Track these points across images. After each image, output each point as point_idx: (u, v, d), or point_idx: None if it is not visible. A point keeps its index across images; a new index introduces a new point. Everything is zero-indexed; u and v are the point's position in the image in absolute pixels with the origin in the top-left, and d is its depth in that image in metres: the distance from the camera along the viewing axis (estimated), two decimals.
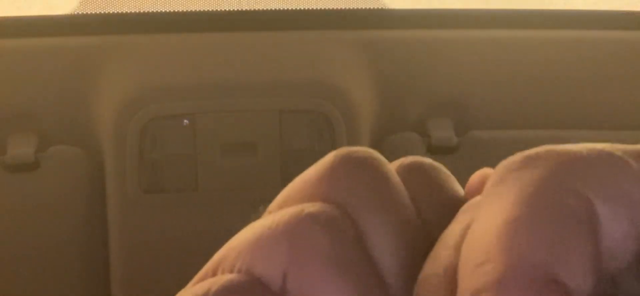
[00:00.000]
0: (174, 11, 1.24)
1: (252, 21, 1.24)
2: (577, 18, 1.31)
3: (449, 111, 1.25)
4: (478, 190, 0.20)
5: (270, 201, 0.21)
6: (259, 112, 1.18)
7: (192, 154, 1.18)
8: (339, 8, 1.26)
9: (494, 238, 0.16)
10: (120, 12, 1.24)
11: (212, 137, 1.18)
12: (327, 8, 1.26)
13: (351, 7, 1.27)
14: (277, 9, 1.25)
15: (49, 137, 1.21)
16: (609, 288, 0.17)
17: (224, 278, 0.19)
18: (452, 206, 0.20)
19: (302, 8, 1.26)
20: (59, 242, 1.22)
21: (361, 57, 1.22)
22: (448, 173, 0.21)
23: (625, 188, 0.17)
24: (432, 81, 1.25)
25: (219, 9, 1.27)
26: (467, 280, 0.16)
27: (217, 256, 0.20)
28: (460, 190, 0.21)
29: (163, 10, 1.24)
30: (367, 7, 1.30)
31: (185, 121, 1.17)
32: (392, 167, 0.20)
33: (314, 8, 1.26)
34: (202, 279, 0.20)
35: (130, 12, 1.24)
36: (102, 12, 1.24)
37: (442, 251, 0.18)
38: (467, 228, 0.18)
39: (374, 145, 1.22)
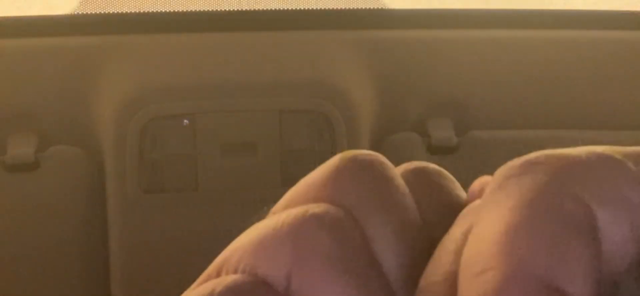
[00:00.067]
0: (174, 11, 1.24)
1: (252, 21, 1.24)
2: (577, 18, 1.31)
3: (449, 111, 1.25)
4: (479, 197, 0.20)
5: (270, 200, 0.21)
6: (259, 112, 1.18)
7: (192, 154, 1.18)
8: (339, 8, 1.26)
9: (493, 245, 0.16)
10: (120, 12, 1.24)
11: (212, 137, 1.18)
12: (327, 8, 1.26)
13: (351, 7, 1.27)
14: (277, 9, 1.25)
15: (49, 137, 1.21)
16: (609, 292, 0.17)
17: (227, 278, 0.19)
18: (455, 210, 0.20)
19: (302, 8, 1.26)
20: (59, 242, 1.22)
21: (361, 57, 1.22)
22: (452, 178, 0.21)
23: (624, 192, 0.17)
24: (432, 81, 1.25)
25: (219, 9, 1.27)
26: (467, 288, 0.16)
27: (220, 257, 0.20)
28: (463, 195, 0.21)
29: (163, 10, 1.24)
30: (367, 7, 1.30)
31: (185, 121, 1.17)
32: (397, 171, 0.20)
33: (314, 8, 1.26)
34: (205, 280, 0.20)
35: (130, 12, 1.24)
36: (102, 12, 1.24)
37: (442, 257, 0.18)
38: (467, 232, 0.18)
39: (374, 145, 1.22)
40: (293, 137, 1.19)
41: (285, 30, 1.25)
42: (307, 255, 0.18)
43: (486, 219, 0.17)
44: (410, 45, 1.24)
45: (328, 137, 1.18)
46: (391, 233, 0.19)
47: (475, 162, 1.22)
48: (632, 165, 0.17)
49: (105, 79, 1.18)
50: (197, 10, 1.25)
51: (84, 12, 1.27)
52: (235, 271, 0.19)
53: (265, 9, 1.25)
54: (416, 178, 0.20)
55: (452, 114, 1.25)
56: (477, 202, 0.19)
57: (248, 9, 1.25)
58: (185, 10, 1.24)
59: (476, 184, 0.21)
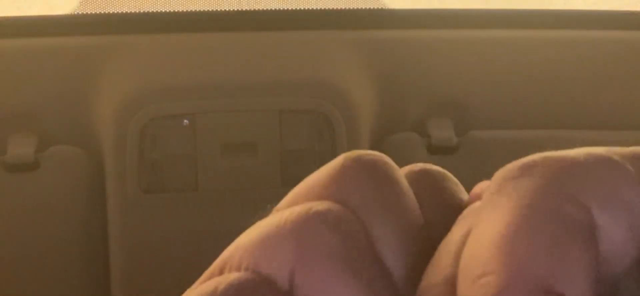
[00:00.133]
0: (174, 11, 1.24)
1: (252, 21, 1.24)
2: (577, 18, 1.31)
3: (449, 111, 1.25)
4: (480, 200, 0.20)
5: (270, 201, 0.21)
6: (259, 112, 1.18)
7: (192, 154, 1.18)
8: (339, 8, 1.26)
9: (492, 249, 0.16)
10: (120, 12, 1.24)
11: (212, 137, 1.18)
12: (327, 8, 1.26)
13: (351, 7, 1.27)
14: (277, 9, 1.25)
15: (49, 137, 1.21)
16: (608, 292, 0.17)
17: (230, 276, 0.19)
18: (457, 213, 0.20)
19: (302, 8, 1.26)
20: (59, 242, 1.22)
21: (361, 57, 1.22)
22: (456, 180, 0.21)
23: (623, 193, 0.17)
24: (432, 81, 1.25)
25: (219, 9, 1.27)
26: (467, 292, 0.16)
27: (224, 255, 0.20)
28: (466, 198, 0.21)
29: (163, 10, 1.24)
30: (367, 7, 1.30)
31: (185, 121, 1.17)
32: (401, 172, 0.20)
33: (314, 8, 1.26)
34: (208, 278, 0.20)
35: (130, 12, 1.24)
36: (102, 12, 1.24)
37: (442, 259, 0.18)
38: (467, 234, 0.18)
39: (374, 145, 1.22)
40: (293, 137, 1.19)
41: (285, 30, 1.25)
42: (310, 252, 0.18)
43: (485, 222, 0.17)
44: (410, 45, 1.24)
45: (328, 137, 1.18)
46: (394, 233, 0.19)
47: (475, 162, 1.22)
48: (630, 166, 0.17)
49: (105, 79, 1.18)
50: (197, 10, 1.25)
51: (84, 12, 1.27)
52: (238, 269, 0.19)
53: (265, 9, 1.25)
54: (420, 179, 0.21)
55: (452, 114, 1.25)
56: (477, 203, 0.19)
57: (248, 9, 1.25)
58: (185, 10, 1.24)
59: (477, 188, 0.21)
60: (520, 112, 1.26)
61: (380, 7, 1.33)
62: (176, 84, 1.18)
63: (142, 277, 1.22)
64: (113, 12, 1.23)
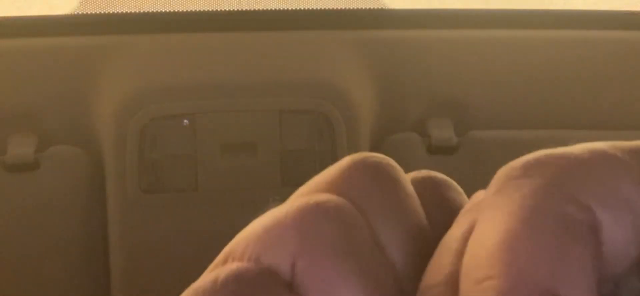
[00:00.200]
0: (174, 11, 1.24)
1: (252, 21, 1.24)
2: (577, 18, 1.31)
3: (449, 111, 1.25)
4: None
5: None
6: (259, 112, 1.18)
7: (192, 154, 1.18)
8: (339, 8, 1.26)
9: (493, 252, 0.16)
10: (120, 12, 1.24)
11: (212, 137, 1.18)
12: (327, 8, 1.26)
13: (351, 7, 1.27)
14: (277, 9, 1.25)
15: (49, 137, 1.21)
16: (611, 292, 0.17)
17: (231, 266, 0.19)
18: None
19: (302, 8, 1.26)
20: (59, 242, 1.22)
21: (361, 57, 1.22)
22: (459, 189, 0.21)
23: (626, 192, 0.17)
24: (432, 81, 1.25)
25: (219, 9, 1.27)
26: (468, 294, 0.16)
27: (227, 248, 0.20)
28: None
29: (163, 10, 1.24)
30: (367, 7, 1.30)
31: (185, 121, 1.17)
32: (406, 176, 0.21)
33: (314, 8, 1.26)
34: (213, 270, 0.20)
35: (130, 12, 1.24)
36: (102, 12, 1.24)
37: (443, 257, 0.18)
38: (468, 232, 0.18)
39: (374, 145, 1.22)
40: (293, 137, 1.19)
41: (285, 30, 1.25)
42: (312, 242, 0.18)
43: (486, 224, 0.17)
44: (410, 45, 1.24)
45: (328, 137, 1.18)
46: (397, 231, 0.19)
47: (475, 162, 1.22)
48: (634, 163, 0.17)
49: (105, 79, 1.18)
50: (197, 10, 1.25)
51: (84, 12, 1.27)
52: (240, 260, 0.19)
53: (265, 9, 1.25)
54: (424, 186, 0.21)
55: (452, 114, 1.25)
56: (478, 199, 0.19)
57: (248, 9, 1.25)
58: (185, 10, 1.24)
59: (475, 198, 0.21)
60: (520, 112, 1.26)
61: (380, 7, 1.33)
62: (176, 84, 1.18)
63: (142, 277, 1.22)
64: (113, 12, 1.23)
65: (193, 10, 1.25)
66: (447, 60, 1.25)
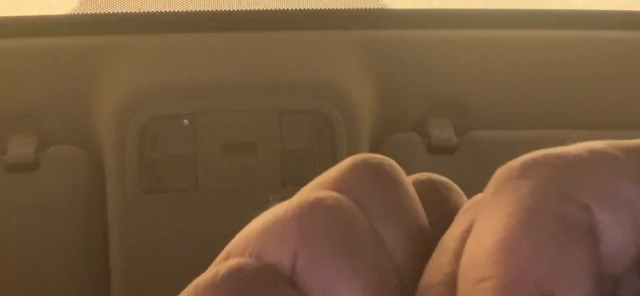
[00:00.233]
0: (174, 11, 1.24)
1: (252, 21, 1.24)
2: (577, 18, 1.31)
3: (449, 111, 1.25)
4: None
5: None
6: (259, 112, 1.18)
7: (192, 154, 1.18)
8: (339, 8, 1.26)
9: (491, 252, 0.16)
10: (120, 12, 1.24)
11: (212, 137, 1.18)
12: (327, 8, 1.26)
13: (351, 7, 1.27)
14: (277, 9, 1.25)
15: (49, 137, 1.21)
16: (610, 292, 0.16)
17: (232, 261, 0.19)
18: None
19: (302, 8, 1.26)
20: (59, 242, 1.22)
21: (361, 57, 1.22)
22: (460, 192, 0.21)
23: (625, 192, 0.17)
24: (432, 81, 1.25)
25: (219, 9, 1.27)
26: (466, 295, 0.16)
27: (229, 246, 0.20)
28: None
29: (163, 10, 1.24)
30: (367, 7, 1.30)
31: (185, 121, 1.17)
32: (407, 177, 0.21)
33: (314, 8, 1.26)
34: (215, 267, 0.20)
35: (130, 12, 1.24)
36: (102, 12, 1.24)
37: (442, 257, 0.18)
38: (466, 231, 0.18)
39: (374, 145, 1.22)
40: (293, 137, 1.19)
41: (285, 30, 1.25)
42: (312, 237, 0.18)
43: (485, 224, 0.17)
44: (410, 45, 1.24)
45: (328, 137, 1.18)
46: (398, 230, 0.19)
47: (475, 162, 1.22)
48: (634, 162, 0.17)
49: (105, 79, 1.18)
50: (197, 10, 1.25)
51: (84, 12, 1.27)
52: (242, 256, 0.19)
53: (265, 9, 1.25)
54: (425, 187, 0.21)
55: (452, 114, 1.25)
56: (477, 198, 0.19)
57: (248, 9, 1.25)
58: (185, 10, 1.24)
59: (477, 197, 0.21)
60: (520, 112, 1.26)
61: (380, 7, 1.33)
62: (176, 84, 1.18)
63: (142, 277, 1.22)
64: (113, 12, 1.23)
65: (193, 10, 1.25)
66: (447, 60, 1.25)
